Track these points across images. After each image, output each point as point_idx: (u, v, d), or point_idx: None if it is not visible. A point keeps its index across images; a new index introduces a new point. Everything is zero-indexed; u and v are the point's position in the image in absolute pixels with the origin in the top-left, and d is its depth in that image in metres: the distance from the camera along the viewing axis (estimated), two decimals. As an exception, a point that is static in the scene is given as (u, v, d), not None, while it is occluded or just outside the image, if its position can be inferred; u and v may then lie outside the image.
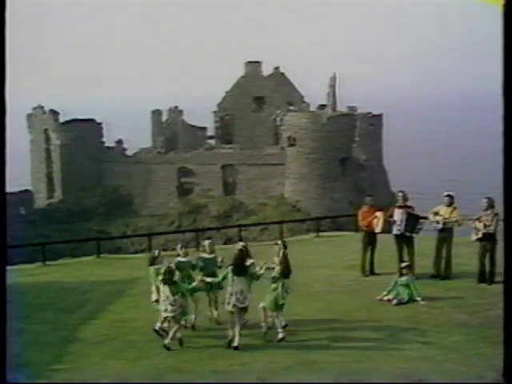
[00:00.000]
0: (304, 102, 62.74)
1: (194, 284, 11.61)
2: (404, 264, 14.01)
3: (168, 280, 10.92)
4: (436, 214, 15.04)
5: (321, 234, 23.29)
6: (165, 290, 10.95)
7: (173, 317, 10.92)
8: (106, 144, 62.47)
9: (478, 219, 14.33)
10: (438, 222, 14.97)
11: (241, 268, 10.86)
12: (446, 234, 15.05)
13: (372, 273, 15.79)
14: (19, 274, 17.51)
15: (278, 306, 11.25)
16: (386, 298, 13.44)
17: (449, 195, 15.17)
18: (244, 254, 11.02)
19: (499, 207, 15.08)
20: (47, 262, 20.10)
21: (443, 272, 15.16)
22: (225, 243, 38.41)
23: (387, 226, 15.33)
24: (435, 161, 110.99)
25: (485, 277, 14.44)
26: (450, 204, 15.03)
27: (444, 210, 15.00)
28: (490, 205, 14.30)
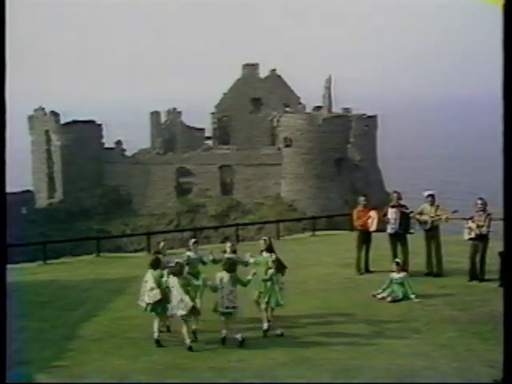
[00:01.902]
0: (300, 103, 63.21)
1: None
2: (397, 260, 14.24)
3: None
4: (421, 213, 15.30)
5: (317, 232, 23.41)
6: (177, 289, 10.85)
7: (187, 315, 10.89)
8: (106, 145, 62.90)
9: (470, 218, 14.58)
10: (425, 223, 15.22)
11: (232, 271, 11.11)
12: (432, 232, 15.32)
13: (367, 271, 15.95)
14: (20, 273, 17.59)
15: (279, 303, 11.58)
16: (380, 295, 13.59)
17: (430, 195, 15.42)
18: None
19: (497, 207, 15.37)
20: (48, 261, 20.21)
21: (435, 270, 15.41)
22: (222, 242, 38.58)
23: (381, 225, 15.56)
24: (431, 161, 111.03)
25: (476, 275, 14.68)
26: (432, 203, 15.29)
27: (428, 210, 15.25)
28: (484, 205, 14.56)
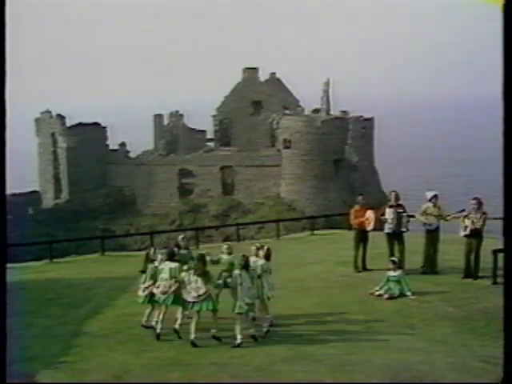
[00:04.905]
0: (299, 106, 63.78)
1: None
2: (392, 259, 14.48)
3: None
4: (424, 212, 15.55)
5: (315, 232, 23.65)
6: (198, 280, 10.94)
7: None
8: (110, 147, 63.49)
9: (466, 216, 14.88)
10: (430, 225, 15.49)
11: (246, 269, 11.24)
12: (435, 232, 15.56)
13: (364, 269, 16.11)
14: (27, 271, 17.87)
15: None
16: (377, 292, 13.76)
17: (435, 196, 15.68)
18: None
19: (492, 207, 15.68)
20: (54, 260, 20.51)
21: (432, 268, 15.65)
22: (224, 241, 38.82)
23: (378, 224, 15.81)
24: (428, 161, 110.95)
25: (470, 272, 14.89)
26: (435, 203, 15.56)
27: (431, 210, 15.51)
28: (479, 205, 14.85)
